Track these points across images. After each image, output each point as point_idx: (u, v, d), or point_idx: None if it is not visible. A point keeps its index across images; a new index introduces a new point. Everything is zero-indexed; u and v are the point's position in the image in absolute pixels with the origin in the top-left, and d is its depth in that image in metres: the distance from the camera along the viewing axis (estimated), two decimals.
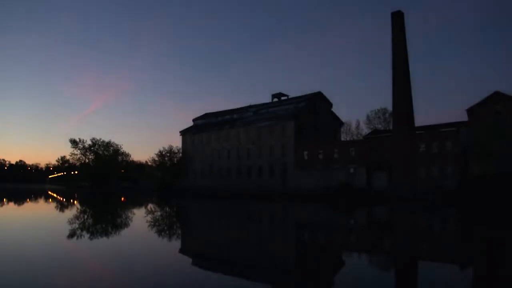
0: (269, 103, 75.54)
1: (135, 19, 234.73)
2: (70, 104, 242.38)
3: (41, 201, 44.18)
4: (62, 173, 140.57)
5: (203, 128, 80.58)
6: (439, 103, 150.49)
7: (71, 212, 29.69)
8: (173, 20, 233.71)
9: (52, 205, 38.65)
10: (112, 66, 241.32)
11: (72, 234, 15.63)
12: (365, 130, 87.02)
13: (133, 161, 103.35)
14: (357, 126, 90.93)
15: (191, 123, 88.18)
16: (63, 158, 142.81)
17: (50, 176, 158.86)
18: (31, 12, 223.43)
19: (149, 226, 19.09)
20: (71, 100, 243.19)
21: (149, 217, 24.40)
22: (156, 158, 79.08)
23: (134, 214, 28.33)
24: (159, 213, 28.79)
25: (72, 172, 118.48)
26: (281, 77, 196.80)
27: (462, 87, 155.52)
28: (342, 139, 78.15)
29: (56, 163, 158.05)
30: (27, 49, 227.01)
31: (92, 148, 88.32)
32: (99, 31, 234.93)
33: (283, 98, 74.68)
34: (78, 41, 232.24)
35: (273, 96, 75.96)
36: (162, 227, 19.36)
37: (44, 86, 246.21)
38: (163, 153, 78.68)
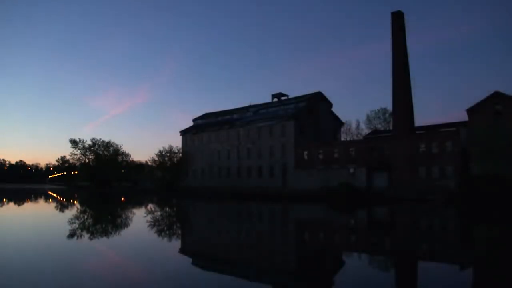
0: (269, 103, 75.54)
1: (151, 37, 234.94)
2: (82, 114, 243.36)
3: (41, 201, 44.18)
4: (62, 173, 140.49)
5: (203, 128, 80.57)
6: (439, 103, 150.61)
7: (71, 212, 29.70)
8: (175, 22, 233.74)
9: (52, 205, 38.66)
10: (128, 84, 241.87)
11: (72, 234, 15.64)
12: (365, 130, 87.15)
13: (133, 161, 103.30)
14: (357, 126, 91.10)
15: (191, 123, 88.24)
16: (63, 158, 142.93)
17: (50, 176, 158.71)
18: (60, 33, 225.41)
19: (149, 226, 19.09)
20: (86, 111, 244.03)
21: (149, 217, 24.41)
22: (156, 158, 79.08)
23: (134, 214, 28.34)
24: (159, 213, 28.80)
25: (72, 172, 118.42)
26: (281, 77, 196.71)
27: (462, 87, 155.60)
28: (342, 139, 78.14)
29: (56, 163, 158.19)
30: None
31: (92, 148, 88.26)
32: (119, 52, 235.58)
33: (283, 98, 74.67)
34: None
35: (273, 96, 75.96)
36: (162, 227, 19.37)
37: (62, 97, 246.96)
38: (163, 153, 78.69)
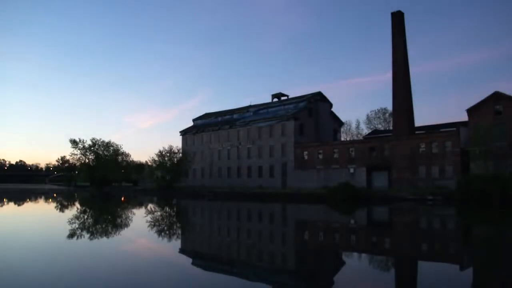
0: (269, 103, 75.49)
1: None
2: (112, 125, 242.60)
3: (41, 201, 44.23)
4: (62, 173, 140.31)
5: (203, 128, 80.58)
6: (439, 103, 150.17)
7: (72, 212, 29.73)
8: (177, 22, 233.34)
9: (52, 205, 38.70)
10: (161, 107, 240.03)
11: (72, 234, 15.67)
12: (365, 130, 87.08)
13: (133, 161, 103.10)
14: (357, 126, 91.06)
15: (191, 123, 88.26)
16: (63, 158, 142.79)
17: (50, 176, 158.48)
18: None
19: (149, 226, 19.11)
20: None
21: (149, 217, 24.44)
22: (156, 158, 78.91)
23: (134, 214, 28.38)
24: (159, 213, 28.83)
25: (72, 172, 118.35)
26: (281, 77, 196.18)
27: (462, 87, 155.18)
28: (342, 139, 78.10)
29: (56, 163, 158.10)
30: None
31: (92, 148, 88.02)
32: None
33: (283, 98, 74.60)
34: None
35: (273, 96, 75.91)
36: (162, 227, 19.40)
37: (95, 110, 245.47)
38: (163, 153, 78.56)
